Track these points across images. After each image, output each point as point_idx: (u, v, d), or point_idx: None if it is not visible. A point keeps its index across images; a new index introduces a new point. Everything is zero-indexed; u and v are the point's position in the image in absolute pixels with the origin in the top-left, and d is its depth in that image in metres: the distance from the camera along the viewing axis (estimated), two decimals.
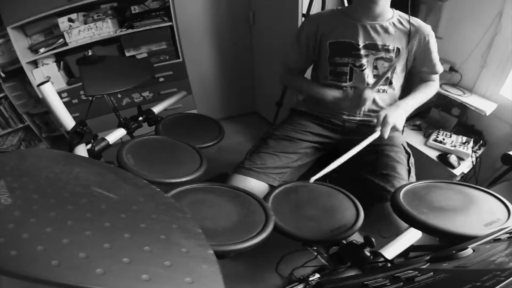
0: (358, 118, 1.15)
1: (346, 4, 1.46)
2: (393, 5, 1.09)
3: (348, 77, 1.11)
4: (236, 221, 0.68)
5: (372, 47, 1.08)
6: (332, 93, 1.11)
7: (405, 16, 1.11)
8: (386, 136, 0.98)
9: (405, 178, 1.00)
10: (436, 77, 1.21)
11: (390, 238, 0.82)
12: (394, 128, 1.00)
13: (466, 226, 0.64)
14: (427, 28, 1.10)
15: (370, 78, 1.11)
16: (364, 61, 1.09)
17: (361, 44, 1.08)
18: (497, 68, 1.48)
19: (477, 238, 0.56)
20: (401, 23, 1.09)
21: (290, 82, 1.29)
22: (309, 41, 1.15)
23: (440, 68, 1.17)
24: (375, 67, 1.11)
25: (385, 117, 1.00)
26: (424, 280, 0.42)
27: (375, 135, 0.98)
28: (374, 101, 1.12)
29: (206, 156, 0.96)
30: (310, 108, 1.21)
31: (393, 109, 1.04)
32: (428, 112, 1.73)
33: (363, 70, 1.10)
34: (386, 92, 1.14)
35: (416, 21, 1.10)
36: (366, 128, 1.15)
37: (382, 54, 1.09)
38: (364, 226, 0.75)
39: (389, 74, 1.12)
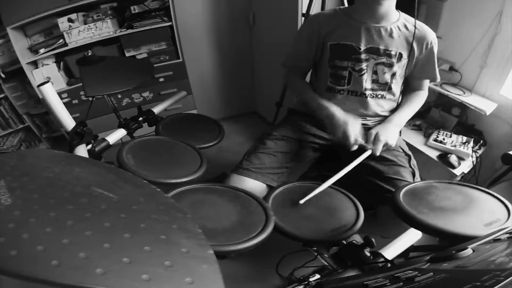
0: None
1: (346, 4, 1.45)
2: (397, 6, 1.05)
3: (346, 81, 1.09)
4: (236, 221, 0.68)
5: (374, 51, 1.05)
6: (329, 113, 1.04)
7: (411, 19, 1.07)
8: (378, 153, 0.97)
9: (409, 180, 1.00)
10: (427, 86, 1.19)
11: (390, 239, 0.82)
12: (386, 145, 0.99)
13: (466, 226, 0.64)
14: (432, 34, 1.07)
15: (368, 83, 1.09)
16: (364, 65, 1.06)
17: (362, 47, 1.05)
18: (497, 68, 1.48)
19: (477, 238, 0.56)
20: (406, 27, 1.06)
21: (292, 84, 1.28)
22: (311, 42, 1.12)
23: (438, 77, 1.15)
24: (375, 72, 1.08)
25: (376, 135, 0.99)
26: (424, 280, 0.42)
27: (367, 153, 0.96)
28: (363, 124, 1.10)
29: (206, 156, 0.96)
30: (308, 109, 1.20)
31: (384, 126, 1.03)
32: (428, 112, 1.73)
33: (361, 75, 1.08)
34: (385, 98, 1.13)
35: (421, 26, 1.07)
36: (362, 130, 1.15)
37: (383, 59, 1.06)
38: (367, 228, 0.75)
39: (388, 80, 1.10)
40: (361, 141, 0.99)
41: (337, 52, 1.08)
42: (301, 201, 0.79)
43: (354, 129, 0.99)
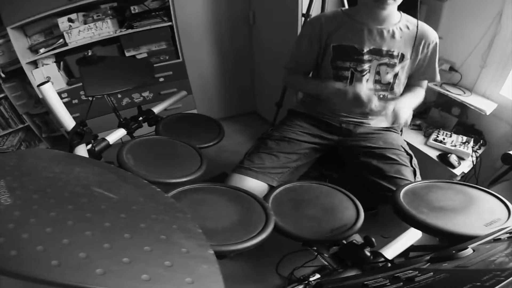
0: (354, 120, 1.15)
1: (346, 5, 1.45)
2: (398, 7, 1.04)
3: (348, 81, 1.10)
4: (236, 221, 0.68)
5: (376, 52, 1.06)
6: (333, 89, 1.06)
7: (413, 20, 1.08)
8: (402, 122, 0.98)
9: (411, 179, 1.00)
10: (426, 85, 1.21)
11: (391, 238, 0.82)
12: (397, 120, 0.99)
13: (466, 226, 0.64)
14: (433, 35, 1.08)
15: (370, 83, 1.10)
16: (366, 66, 1.07)
17: (365, 49, 1.05)
18: (497, 68, 1.47)
19: (477, 238, 0.56)
20: (407, 28, 1.06)
21: (292, 82, 1.28)
22: (313, 43, 1.12)
23: (438, 77, 1.16)
24: (378, 73, 1.09)
25: (395, 108, 0.99)
26: (424, 280, 0.42)
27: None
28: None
29: (206, 156, 0.96)
30: (308, 109, 1.20)
31: (401, 101, 1.03)
32: (428, 111, 1.73)
33: (363, 75, 1.09)
34: (387, 97, 1.13)
35: (423, 26, 1.08)
36: (363, 129, 1.15)
37: (386, 60, 1.07)
38: (367, 227, 0.75)
39: (391, 80, 1.10)
40: (374, 99, 0.98)
41: (339, 53, 1.09)
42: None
43: (363, 89, 0.99)
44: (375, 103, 0.98)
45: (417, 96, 1.15)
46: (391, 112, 0.99)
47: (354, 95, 0.99)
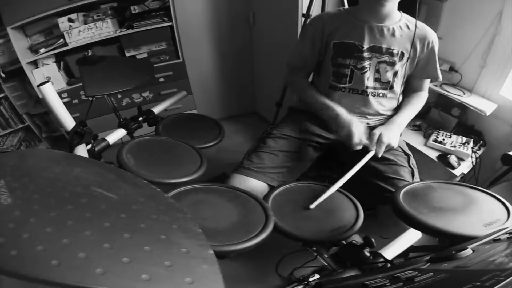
0: None
1: (346, 4, 1.45)
2: (398, 7, 1.06)
3: (348, 78, 1.10)
4: (236, 221, 0.68)
5: (376, 50, 1.07)
6: (332, 115, 1.06)
7: (413, 20, 1.09)
8: (380, 155, 0.98)
9: (409, 180, 1.00)
10: (427, 86, 1.21)
11: (390, 239, 0.82)
12: (388, 146, 1.00)
13: (465, 226, 0.64)
14: (432, 35, 1.09)
15: (370, 81, 1.10)
16: (366, 63, 1.08)
17: (365, 46, 1.06)
18: (497, 68, 1.48)
19: (477, 238, 0.56)
20: (408, 27, 1.08)
21: (294, 84, 1.28)
22: (314, 41, 1.13)
23: (440, 76, 1.16)
24: (377, 71, 1.09)
25: (379, 136, 1.00)
26: (424, 280, 0.42)
27: (370, 154, 0.97)
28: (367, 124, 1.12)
29: (206, 156, 0.96)
30: (308, 107, 1.21)
31: (387, 127, 1.04)
32: (428, 112, 1.73)
33: (363, 73, 1.09)
34: (386, 96, 1.14)
35: (422, 26, 1.09)
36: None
37: (386, 58, 1.07)
38: (367, 228, 0.75)
39: (390, 79, 1.11)
40: (365, 141, 1.00)
41: (340, 50, 1.10)
42: (312, 206, 0.78)
43: (358, 129, 1.00)
44: (360, 146, 0.99)
45: (414, 106, 1.16)
46: (375, 140, 0.99)
47: (347, 133, 1.00)
